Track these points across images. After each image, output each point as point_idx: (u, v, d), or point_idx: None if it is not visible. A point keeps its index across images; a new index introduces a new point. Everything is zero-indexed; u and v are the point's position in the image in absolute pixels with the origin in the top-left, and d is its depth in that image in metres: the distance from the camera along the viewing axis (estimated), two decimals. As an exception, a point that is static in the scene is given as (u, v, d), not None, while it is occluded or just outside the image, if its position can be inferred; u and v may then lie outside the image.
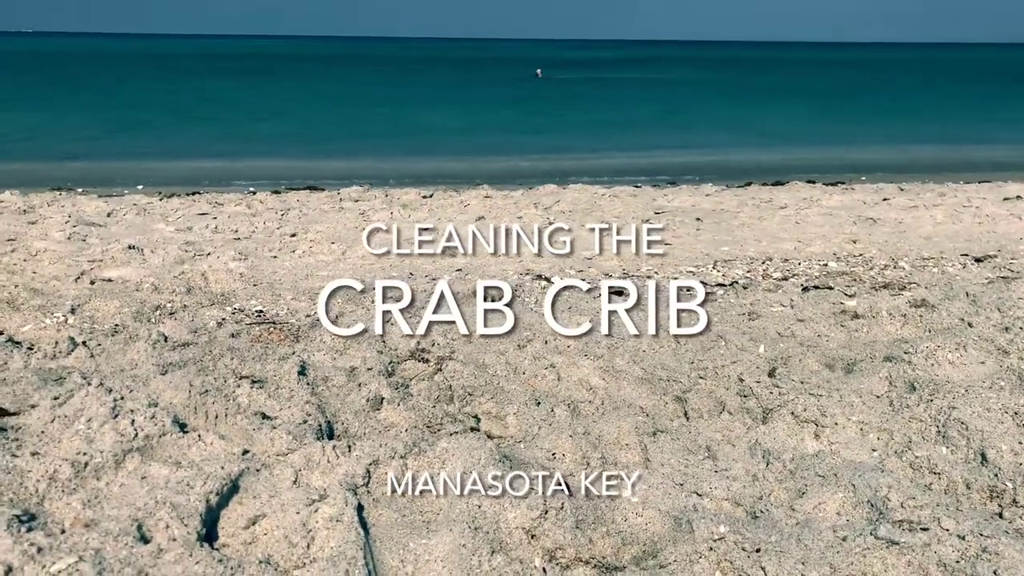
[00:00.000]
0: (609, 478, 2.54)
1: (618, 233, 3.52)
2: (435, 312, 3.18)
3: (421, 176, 14.11)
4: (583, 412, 3.26)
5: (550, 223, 7.79)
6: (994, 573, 2.12)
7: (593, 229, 3.73)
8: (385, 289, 3.16)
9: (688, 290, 3.31)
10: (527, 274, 5.59)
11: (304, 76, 50.15)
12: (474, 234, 3.34)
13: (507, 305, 3.34)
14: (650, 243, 3.70)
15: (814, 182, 12.10)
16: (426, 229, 3.56)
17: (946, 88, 44.79)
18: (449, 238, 3.71)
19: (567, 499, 2.40)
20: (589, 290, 4.49)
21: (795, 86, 45.10)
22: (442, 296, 3.24)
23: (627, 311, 3.26)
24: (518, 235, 3.48)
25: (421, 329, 3.34)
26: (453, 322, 3.29)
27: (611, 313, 3.28)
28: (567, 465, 2.80)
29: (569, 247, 3.58)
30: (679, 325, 3.18)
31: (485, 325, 3.29)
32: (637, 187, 11.30)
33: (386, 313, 3.25)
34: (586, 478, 2.52)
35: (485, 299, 3.68)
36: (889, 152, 18.77)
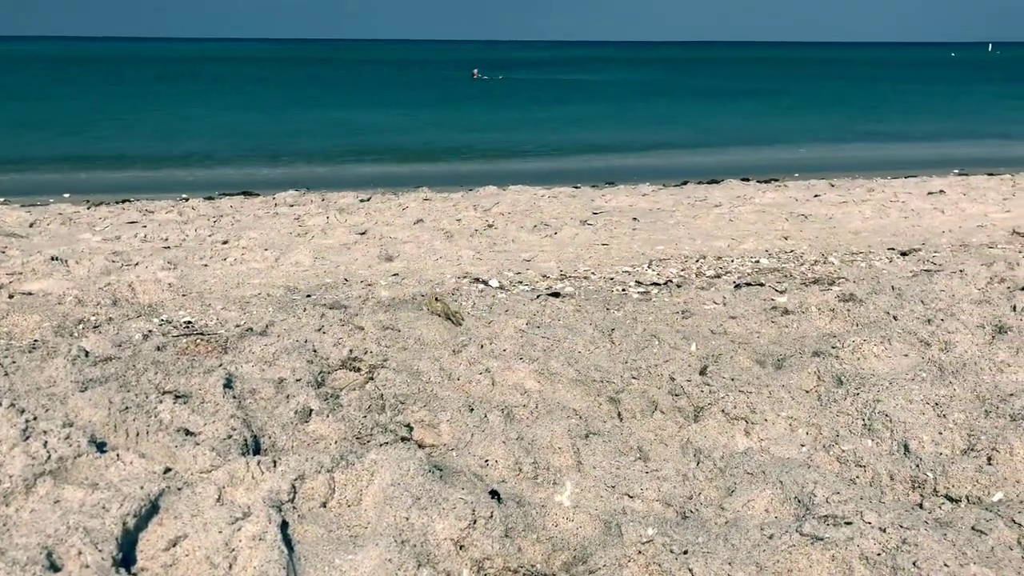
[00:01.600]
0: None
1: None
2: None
3: (358, 180, 13.97)
4: (517, 417, 3.25)
5: (489, 225, 7.79)
6: (913, 564, 2.17)
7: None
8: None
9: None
10: (464, 277, 5.55)
11: (241, 79, 49.32)
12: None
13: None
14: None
15: (748, 179, 12.34)
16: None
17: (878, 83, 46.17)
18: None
19: (496, 507, 2.37)
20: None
21: (731, 87, 45.96)
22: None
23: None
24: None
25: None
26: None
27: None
28: (499, 471, 2.78)
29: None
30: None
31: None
32: (576, 188, 11.36)
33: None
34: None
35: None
36: (820, 150, 19.26)
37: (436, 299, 4.56)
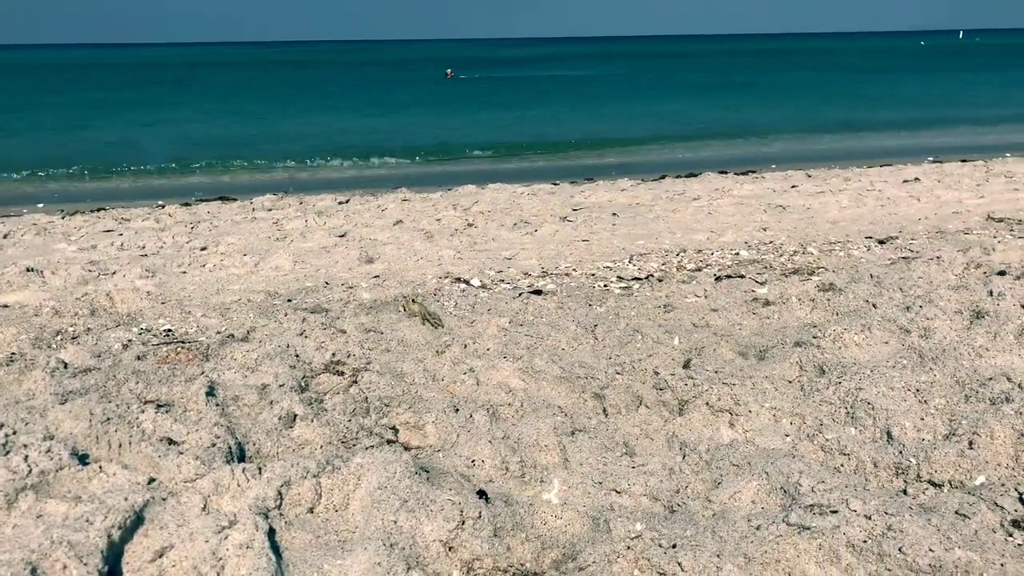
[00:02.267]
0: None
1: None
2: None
3: (335, 182, 13.91)
4: (502, 416, 3.24)
5: (469, 224, 7.77)
6: (899, 550, 2.19)
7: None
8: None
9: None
10: (446, 277, 5.54)
11: (216, 83, 48.95)
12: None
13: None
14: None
15: (726, 172, 12.39)
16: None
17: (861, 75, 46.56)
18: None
19: (484, 507, 2.37)
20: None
21: (704, 80, 46.16)
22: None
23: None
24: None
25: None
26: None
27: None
28: (486, 471, 2.78)
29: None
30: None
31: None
32: (555, 185, 11.37)
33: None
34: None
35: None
36: (795, 141, 19.40)
37: (413, 300, 4.54)
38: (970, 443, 2.81)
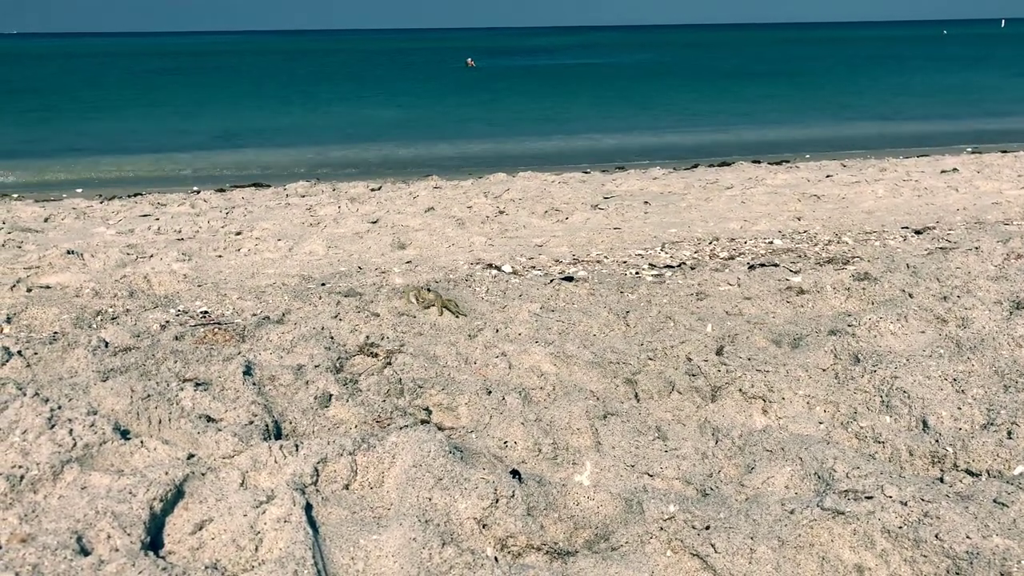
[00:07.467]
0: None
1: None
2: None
3: (368, 170, 13.98)
4: (534, 399, 3.26)
5: (500, 211, 7.78)
6: (936, 536, 2.17)
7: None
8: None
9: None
10: (477, 263, 5.56)
11: (242, 72, 49.29)
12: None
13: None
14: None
15: (759, 161, 12.27)
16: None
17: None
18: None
19: (518, 486, 2.39)
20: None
21: (732, 68, 45.62)
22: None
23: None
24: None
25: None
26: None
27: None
28: (519, 453, 2.80)
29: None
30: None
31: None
32: (586, 173, 11.34)
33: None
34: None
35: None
36: (828, 129, 19.14)
37: (428, 289, 4.47)
38: (1009, 433, 2.78)
